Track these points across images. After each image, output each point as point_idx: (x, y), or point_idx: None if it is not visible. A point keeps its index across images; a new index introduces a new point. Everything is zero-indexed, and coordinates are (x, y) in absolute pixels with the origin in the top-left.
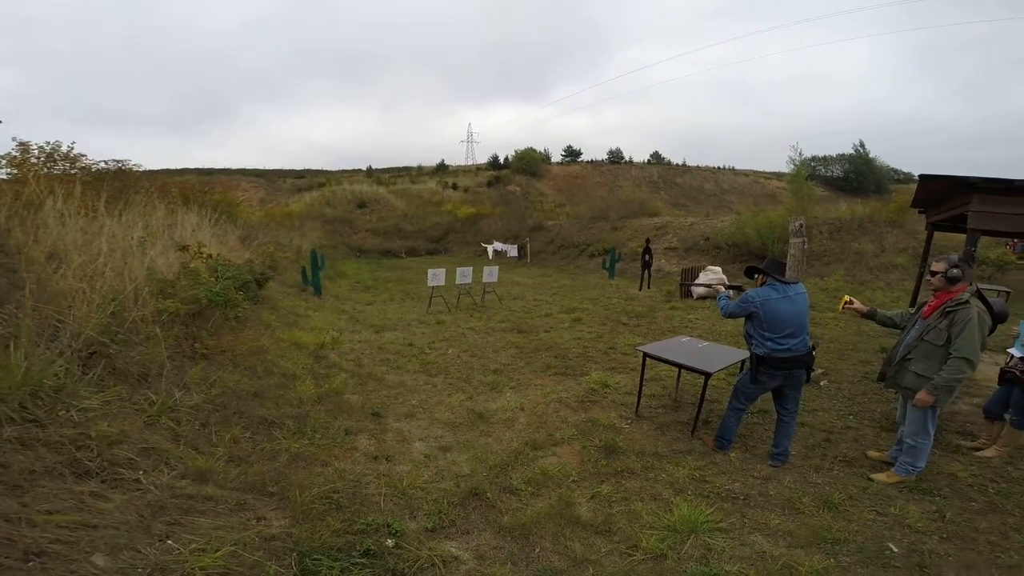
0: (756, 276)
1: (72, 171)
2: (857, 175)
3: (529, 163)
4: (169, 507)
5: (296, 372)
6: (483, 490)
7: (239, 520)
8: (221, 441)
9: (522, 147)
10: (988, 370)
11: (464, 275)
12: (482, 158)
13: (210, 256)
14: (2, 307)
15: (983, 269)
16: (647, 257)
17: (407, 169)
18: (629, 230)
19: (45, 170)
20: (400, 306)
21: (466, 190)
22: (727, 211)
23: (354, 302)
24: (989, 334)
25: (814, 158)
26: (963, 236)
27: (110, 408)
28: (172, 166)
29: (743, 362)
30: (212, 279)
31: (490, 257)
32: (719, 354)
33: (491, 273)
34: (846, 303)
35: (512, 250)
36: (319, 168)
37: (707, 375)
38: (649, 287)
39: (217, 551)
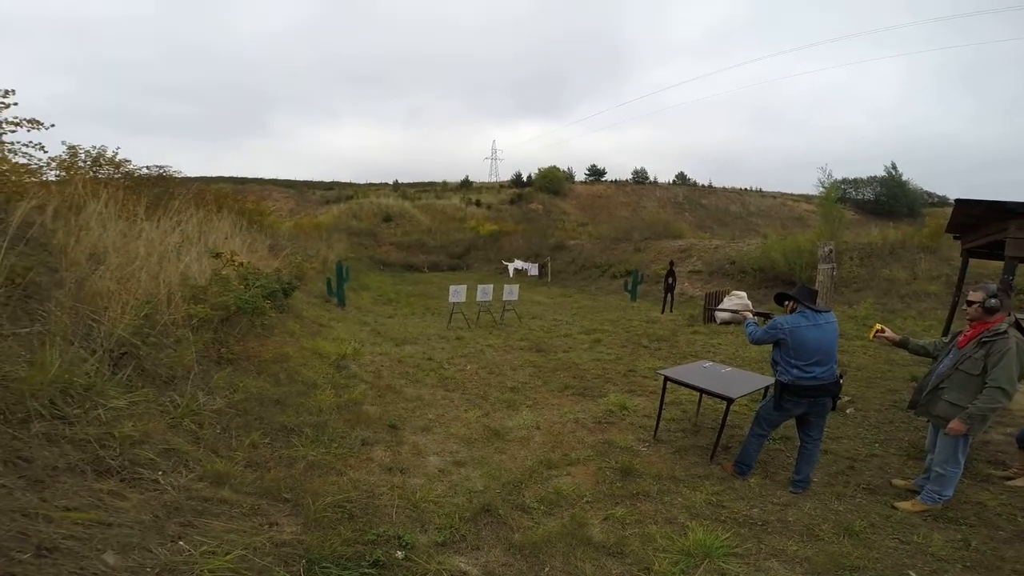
0: (786, 303)
1: (116, 175)
2: (889, 198)
3: (552, 181)
4: (184, 508)
5: (317, 381)
6: (495, 507)
7: (252, 524)
8: (240, 446)
9: (545, 165)
10: (1023, 400)
11: (485, 292)
12: (505, 175)
13: (241, 264)
14: (42, 305)
15: (1021, 299)
16: (670, 280)
17: (432, 184)
18: (652, 252)
19: (91, 174)
20: (421, 320)
21: (489, 207)
22: (753, 234)
23: (376, 314)
24: None
25: (844, 180)
26: (1000, 263)
27: (136, 408)
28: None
29: (766, 388)
30: (242, 287)
31: (511, 275)
32: (742, 380)
33: (511, 291)
34: (877, 331)
35: (533, 269)
36: (347, 181)
37: (729, 400)
38: (672, 310)
39: (227, 554)
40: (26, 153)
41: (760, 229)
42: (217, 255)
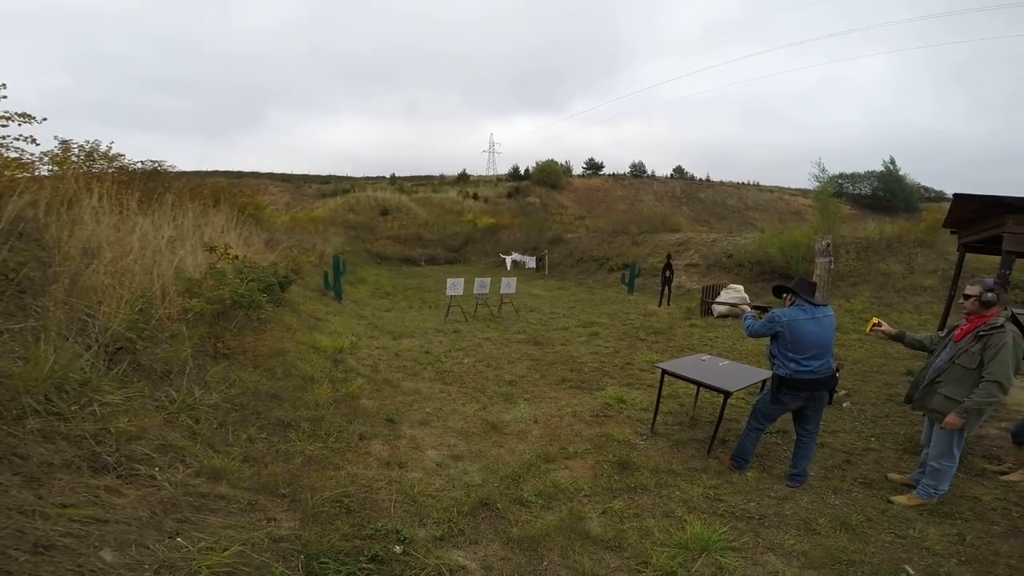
0: (784, 296)
1: (110, 170)
2: (886, 192)
3: (550, 175)
4: (182, 504)
5: (314, 375)
6: (493, 500)
7: (249, 520)
8: (237, 441)
9: (542, 158)
10: (1019, 395)
11: (482, 285)
12: (503, 168)
13: (236, 257)
14: (35, 300)
15: (1017, 293)
16: (667, 273)
17: (429, 178)
18: (650, 245)
19: (85, 168)
20: (418, 314)
21: (486, 200)
22: (751, 228)
23: (373, 308)
24: (1023, 359)
25: (841, 175)
26: (997, 258)
27: (132, 404)
28: (203, 168)
29: (764, 382)
30: (237, 280)
31: (508, 268)
32: (740, 373)
33: (509, 284)
34: (874, 325)
35: (530, 261)
36: (344, 174)
37: (727, 394)
38: (669, 304)
39: (225, 550)
40: (17, 148)
41: (757, 223)
42: (212, 249)
